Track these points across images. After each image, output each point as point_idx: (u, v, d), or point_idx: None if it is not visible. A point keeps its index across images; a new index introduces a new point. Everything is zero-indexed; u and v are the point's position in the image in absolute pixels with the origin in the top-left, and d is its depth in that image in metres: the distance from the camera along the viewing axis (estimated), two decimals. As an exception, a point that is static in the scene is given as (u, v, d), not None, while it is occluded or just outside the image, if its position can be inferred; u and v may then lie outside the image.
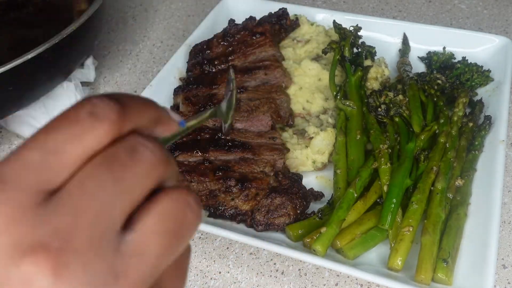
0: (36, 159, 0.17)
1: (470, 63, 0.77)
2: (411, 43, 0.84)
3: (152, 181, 0.19)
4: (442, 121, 0.66)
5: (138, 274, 0.18)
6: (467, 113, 0.71)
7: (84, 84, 0.85)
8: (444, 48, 0.82)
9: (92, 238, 0.17)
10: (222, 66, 0.77)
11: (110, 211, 0.17)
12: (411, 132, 0.66)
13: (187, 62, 0.82)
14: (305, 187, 0.64)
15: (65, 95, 0.79)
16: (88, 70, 0.86)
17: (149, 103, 0.20)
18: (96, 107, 0.18)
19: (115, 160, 0.18)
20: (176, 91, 0.77)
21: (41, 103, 0.77)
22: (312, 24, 0.85)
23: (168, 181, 0.20)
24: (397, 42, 0.85)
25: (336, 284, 0.59)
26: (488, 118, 0.69)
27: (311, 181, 0.68)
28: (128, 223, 0.18)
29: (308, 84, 0.76)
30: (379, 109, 0.69)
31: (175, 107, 0.76)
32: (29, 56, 0.62)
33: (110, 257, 0.17)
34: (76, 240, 0.16)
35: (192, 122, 0.26)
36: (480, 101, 0.73)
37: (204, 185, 0.62)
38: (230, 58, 0.77)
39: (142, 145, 0.19)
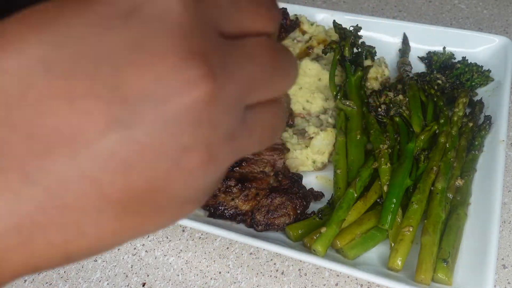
0: (226, 2, 0.18)
1: (470, 63, 0.77)
2: (411, 43, 0.84)
3: (287, 89, 0.21)
4: (442, 121, 0.66)
5: (242, 146, 0.19)
6: (467, 113, 0.71)
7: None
8: (444, 48, 0.81)
9: (240, 95, 0.18)
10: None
11: (258, 86, 0.19)
12: (411, 132, 0.66)
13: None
14: (305, 187, 0.64)
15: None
16: None
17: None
18: (274, 7, 0.20)
19: (280, 56, 0.20)
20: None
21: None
22: (312, 24, 0.85)
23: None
24: (397, 42, 0.85)
25: (336, 284, 0.59)
26: (488, 118, 0.69)
27: (311, 181, 0.68)
28: (252, 105, 0.20)
29: (308, 84, 0.76)
30: (379, 109, 0.69)
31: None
32: None
33: (237, 121, 0.18)
34: (232, 86, 0.17)
35: None
36: (480, 101, 0.73)
37: (204, 185, 0.62)
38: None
39: (295, 61, 0.21)
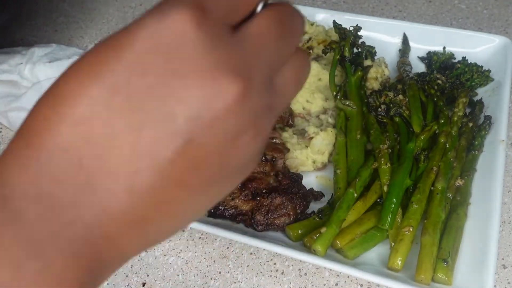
0: None
1: (470, 63, 0.77)
2: (411, 43, 0.84)
3: (299, 40, 0.24)
4: (442, 121, 0.66)
5: (279, 107, 0.23)
6: (467, 113, 0.71)
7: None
8: (444, 48, 0.81)
9: (265, 77, 0.21)
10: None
11: (276, 60, 0.22)
12: (411, 132, 0.66)
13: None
14: (305, 187, 0.64)
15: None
16: None
17: None
18: None
19: (283, 22, 0.22)
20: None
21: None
22: (312, 24, 0.85)
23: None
24: (397, 42, 0.85)
25: (336, 284, 0.59)
26: (488, 118, 0.68)
27: (311, 181, 0.68)
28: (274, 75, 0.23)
29: (308, 84, 0.76)
30: (379, 109, 0.69)
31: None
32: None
33: (270, 94, 0.22)
34: (256, 74, 0.21)
35: None
36: (480, 101, 0.73)
37: (204, 185, 0.62)
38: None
39: (296, 11, 0.24)
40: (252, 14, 0.22)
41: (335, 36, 0.81)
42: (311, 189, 0.65)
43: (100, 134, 0.19)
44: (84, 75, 0.19)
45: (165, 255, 0.63)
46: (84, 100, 0.19)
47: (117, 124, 0.19)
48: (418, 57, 0.83)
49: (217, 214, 0.61)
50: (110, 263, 0.21)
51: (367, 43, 0.79)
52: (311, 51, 0.81)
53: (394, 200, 0.57)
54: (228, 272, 0.61)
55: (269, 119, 0.22)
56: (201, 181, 0.21)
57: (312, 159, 0.68)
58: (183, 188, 0.21)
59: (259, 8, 0.22)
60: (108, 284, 0.60)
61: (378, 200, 0.61)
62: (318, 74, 0.77)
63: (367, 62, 0.78)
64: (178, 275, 0.61)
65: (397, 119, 0.68)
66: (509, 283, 0.58)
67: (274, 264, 0.61)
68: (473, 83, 0.75)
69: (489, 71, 0.76)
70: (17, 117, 0.76)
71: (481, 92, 0.75)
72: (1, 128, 0.81)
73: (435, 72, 0.77)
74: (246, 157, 0.22)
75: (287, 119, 0.71)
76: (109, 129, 0.19)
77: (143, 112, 0.19)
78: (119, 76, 0.19)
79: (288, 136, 0.70)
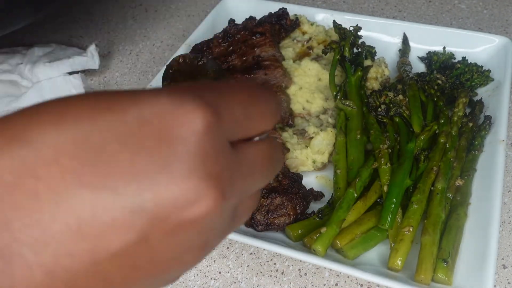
0: (240, 115, 0.21)
1: (470, 63, 0.77)
2: (411, 43, 0.84)
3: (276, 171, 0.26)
4: (442, 121, 0.66)
5: (225, 236, 0.23)
6: (467, 113, 0.71)
7: (87, 73, 0.83)
8: (444, 48, 0.81)
9: (236, 203, 0.21)
10: (222, 66, 0.77)
11: (249, 192, 0.23)
12: (411, 132, 0.66)
13: (187, 62, 0.81)
14: (305, 187, 0.64)
15: (66, 88, 0.78)
16: (91, 58, 0.82)
17: None
18: (279, 110, 0.25)
19: (271, 156, 0.23)
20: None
21: (41, 100, 0.76)
22: (312, 24, 0.85)
23: None
24: (397, 42, 0.85)
25: (336, 284, 0.59)
26: (488, 118, 0.68)
27: (311, 181, 0.68)
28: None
29: (308, 84, 0.76)
30: (379, 109, 0.69)
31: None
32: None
33: (230, 220, 0.22)
34: (233, 198, 0.20)
35: None
36: (480, 101, 0.73)
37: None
38: (230, 58, 0.77)
39: (280, 147, 0.25)
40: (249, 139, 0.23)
41: (335, 36, 0.81)
42: (311, 189, 0.65)
43: (48, 195, 0.16)
44: (59, 117, 0.17)
45: (165, 255, 0.63)
46: (48, 143, 0.17)
47: (73, 191, 0.16)
48: (418, 57, 0.83)
49: (217, 214, 0.61)
50: None
51: (367, 43, 0.79)
52: (311, 51, 0.81)
53: (394, 200, 0.57)
54: (228, 272, 0.61)
55: (217, 241, 0.22)
56: (127, 284, 0.19)
57: (312, 159, 0.68)
58: (105, 285, 0.18)
59: (256, 138, 0.23)
60: (108, 284, 0.60)
61: (378, 200, 0.61)
62: (318, 74, 0.77)
63: (367, 62, 0.78)
64: (178, 275, 0.61)
65: (397, 119, 0.68)
66: (509, 283, 0.58)
67: (274, 264, 0.61)
68: (473, 83, 0.75)
69: (489, 71, 0.76)
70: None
71: (481, 92, 0.75)
72: None
73: (435, 72, 0.77)
74: (179, 272, 0.21)
75: (287, 119, 0.71)
76: (61, 192, 0.16)
77: (110, 188, 0.17)
78: (99, 136, 0.17)
79: (288, 136, 0.70)
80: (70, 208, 0.16)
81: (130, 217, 0.17)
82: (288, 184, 0.63)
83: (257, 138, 0.23)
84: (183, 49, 0.83)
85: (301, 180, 0.66)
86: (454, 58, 0.80)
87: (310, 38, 0.83)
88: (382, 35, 0.85)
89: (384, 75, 0.78)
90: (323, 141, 0.68)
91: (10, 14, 0.66)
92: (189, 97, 0.19)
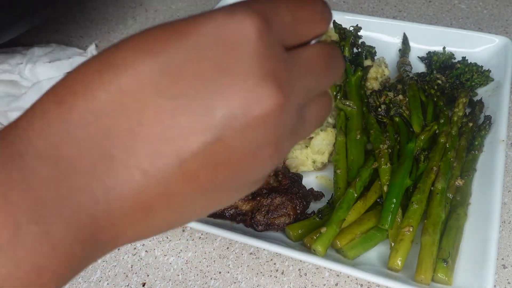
0: (289, 19, 0.22)
1: (470, 63, 0.77)
2: (411, 43, 0.84)
3: (336, 81, 0.26)
4: (442, 121, 0.66)
5: (301, 137, 0.25)
6: (467, 113, 0.71)
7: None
8: (444, 48, 0.81)
9: (299, 103, 0.23)
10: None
11: (313, 91, 0.24)
12: (411, 132, 0.66)
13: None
14: (305, 187, 0.64)
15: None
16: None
17: None
18: (326, 9, 0.24)
19: (331, 60, 0.24)
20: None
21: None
22: (312, 24, 0.85)
23: None
24: (397, 42, 0.85)
25: (336, 284, 0.59)
26: (488, 118, 0.68)
27: (311, 181, 0.68)
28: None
29: (308, 84, 0.76)
30: (379, 109, 0.69)
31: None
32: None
33: (298, 121, 0.23)
34: (294, 97, 0.22)
35: None
36: (480, 101, 0.73)
37: (204, 185, 0.62)
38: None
39: (341, 57, 0.25)
40: (306, 44, 0.24)
41: (335, 36, 0.81)
42: (311, 189, 0.65)
43: (137, 109, 0.19)
44: (139, 48, 0.20)
45: (165, 255, 0.63)
46: (133, 72, 0.19)
47: (156, 104, 0.19)
48: (418, 57, 0.83)
49: (217, 214, 0.61)
50: (104, 244, 0.21)
51: (367, 43, 0.79)
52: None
53: (394, 200, 0.57)
54: (228, 272, 0.61)
55: (290, 142, 0.23)
56: (214, 183, 0.21)
57: (312, 159, 0.68)
58: (194, 184, 0.21)
59: (313, 42, 0.24)
60: (108, 284, 0.60)
61: (378, 200, 0.61)
62: (318, 74, 0.77)
63: (367, 62, 0.78)
64: (178, 275, 0.61)
65: (397, 119, 0.68)
66: (509, 283, 0.58)
67: (274, 264, 0.61)
68: (473, 83, 0.75)
69: (489, 71, 0.76)
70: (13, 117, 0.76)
71: (481, 92, 0.75)
72: (1, 128, 0.81)
73: (435, 72, 0.77)
74: (259, 172, 0.22)
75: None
76: (147, 106, 0.19)
77: (185, 98, 0.19)
78: (174, 58, 0.19)
79: (288, 136, 0.70)
80: (153, 116, 0.19)
81: (204, 120, 0.19)
82: (288, 184, 0.63)
83: (314, 42, 0.24)
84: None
85: (301, 180, 0.66)
86: (454, 58, 0.80)
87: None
88: (382, 35, 0.85)
89: (384, 75, 0.78)
90: (323, 141, 0.68)
91: (4, 22, 0.66)
92: (238, 9, 0.20)
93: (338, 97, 0.71)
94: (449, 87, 0.74)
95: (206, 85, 0.20)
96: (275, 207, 0.60)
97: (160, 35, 0.20)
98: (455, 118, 0.67)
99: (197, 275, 0.61)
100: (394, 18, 1.00)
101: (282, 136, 0.22)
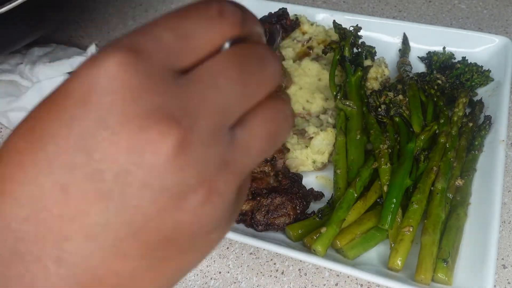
0: (169, 38, 0.18)
1: (470, 63, 0.77)
2: (411, 43, 0.84)
3: (270, 89, 0.20)
4: (442, 121, 0.66)
5: (242, 165, 0.19)
6: (467, 113, 0.71)
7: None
8: (444, 48, 0.81)
9: (215, 125, 0.18)
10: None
11: (232, 107, 0.19)
12: (411, 132, 0.66)
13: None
14: (305, 187, 0.64)
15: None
16: None
17: (258, 21, 0.22)
18: (224, 8, 0.19)
19: (246, 63, 0.19)
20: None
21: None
22: (312, 24, 0.85)
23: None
24: (397, 42, 0.85)
25: (336, 284, 0.59)
26: (488, 118, 0.68)
27: (311, 181, 0.68)
28: (238, 121, 0.19)
29: (308, 84, 0.76)
30: (379, 109, 0.69)
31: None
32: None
33: (224, 146, 0.18)
34: (201, 122, 0.18)
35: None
36: (480, 101, 0.73)
37: (204, 185, 0.62)
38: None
39: (270, 55, 0.20)
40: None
41: (335, 36, 0.81)
42: (311, 189, 0.65)
43: (27, 195, 0.17)
44: (29, 153, 0.18)
45: (165, 255, 0.63)
46: (26, 178, 0.17)
47: (44, 183, 0.17)
48: (418, 57, 0.83)
49: (217, 214, 0.61)
50: None
51: (367, 43, 0.79)
52: (311, 51, 0.81)
53: (394, 200, 0.57)
54: (228, 272, 0.61)
55: (225, 176, 0.18)
56: (146, 251, 0.18)
57: (312, 159, 0.68)
58: (124, 259, 0.18)
59: (226, 46, 0.20)
60: (108, 284, 0.60)
61: (378, 200, 0.61)
62: (318, 74, 0.77)
63: (367, 62, 0.78)
64: (178, 275, 0.61)
65: (397, 119, 0.68)
66: (509, 283, 0.58)
67: (274, 264, 0.61)
68: (473, 83, 0.75)
69: (489, 71, 0.76)
70: (17, 117, 0.76)
71: (481, 92, 0.75)
72: (1, 128, 0.81)
73: (435, 72, 0.77)
74: (203, 223, 0.18)
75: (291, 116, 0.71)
76: (36, 188, 0.17)
77: (69, 168, 0.17)
78: (60, 142, 0.17)
79: (288, 136, 0.70)
80: (53, 203, 0.17)
81: (95, 186, 0.17)
82: (288, 184, 0.63)
83: (227, 45, 0.20)
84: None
85: (301, 180, 0.66)
86: (454, 58, 0.80)
87: (310, 38, 0.83)
88: (382, 35, 0.85)
89: (384, 75, 0.78)
90: (323, 141, 0.68)
91: (7, 36, 0.67)
92: (101, 51, 0.18)
93: (338, 97, 0.71)
94: (449, 87, 0.74)
95: (84, 148, 0.17)
96: (275, 207, 0.60)
97: (46, 127, 0.18)
98: (455, 118, 0.67)
99: (197, 275, 0.61)
100: (394, 18, 1.00)
101: (206, 173, 0.18)
